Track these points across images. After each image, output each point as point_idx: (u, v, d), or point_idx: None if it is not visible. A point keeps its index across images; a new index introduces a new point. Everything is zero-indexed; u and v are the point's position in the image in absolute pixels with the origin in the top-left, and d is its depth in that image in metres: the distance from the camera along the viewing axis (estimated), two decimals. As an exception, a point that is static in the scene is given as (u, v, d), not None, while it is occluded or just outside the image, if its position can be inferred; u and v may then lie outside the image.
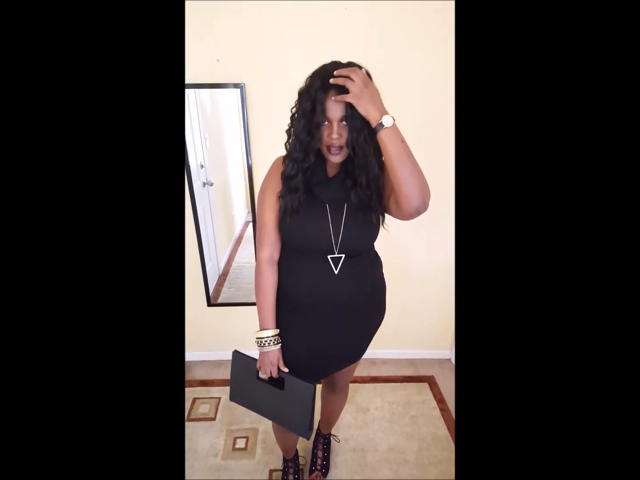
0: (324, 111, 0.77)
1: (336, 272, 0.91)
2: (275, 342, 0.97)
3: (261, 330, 0.98)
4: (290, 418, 1.01)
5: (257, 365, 1.02)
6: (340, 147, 0.82)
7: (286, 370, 0.99)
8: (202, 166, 1.74)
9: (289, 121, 0.87)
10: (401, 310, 1.88)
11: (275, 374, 0.99)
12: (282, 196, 0.89)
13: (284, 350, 0.99)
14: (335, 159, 0.84)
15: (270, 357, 0.98)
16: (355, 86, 0.73)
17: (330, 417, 1.38)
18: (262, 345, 0.98)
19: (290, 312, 0.98)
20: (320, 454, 1.42)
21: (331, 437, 1.49)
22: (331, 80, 0.76)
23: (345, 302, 0.95)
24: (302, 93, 0.82)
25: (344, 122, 0.79)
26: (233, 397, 1.10)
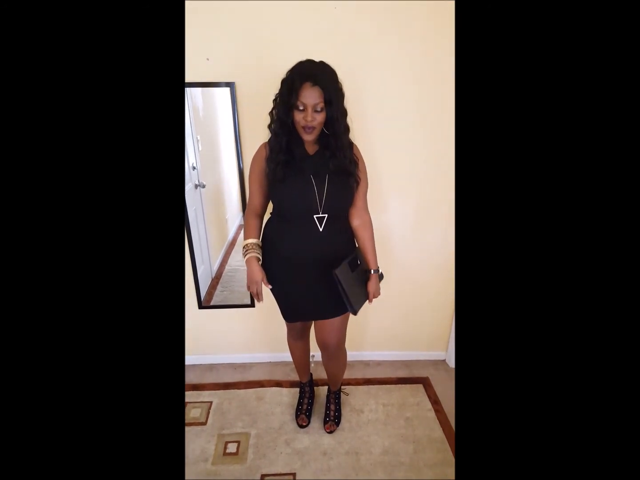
0: (298, 97, 0.98)
1: (321, 230, 1.14)
2: (257, 251, 1.20)
3: (245, 239, 1.22)
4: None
5: (247, 286, 1.22)
6: (312, 128, 1.03)
7: (269, 286, 1.22)
8: (194, 168, 1.74)
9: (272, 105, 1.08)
10: (396, 311, 1.87)
11: (260, 290, 1.21)
12: (268, 164, 1.11)
13: (276, 292, 1.29)
14: (308, 137, 1.07)
15: (254, 276, 1.19)
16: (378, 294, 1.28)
17: (333, 379, 1.57)
18: (246, 250, 1.19)
19: (281, 261, 1.21)
20: (332, 407, 1.61)
21: (341, 392, 1.67)
22: (369, 304, 1.27)
23: (327, 255, 1.16)
24: (283, 82, 1.02)
25: (316, 109, 1.00)
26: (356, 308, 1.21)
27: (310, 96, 0.97)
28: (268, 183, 1.15)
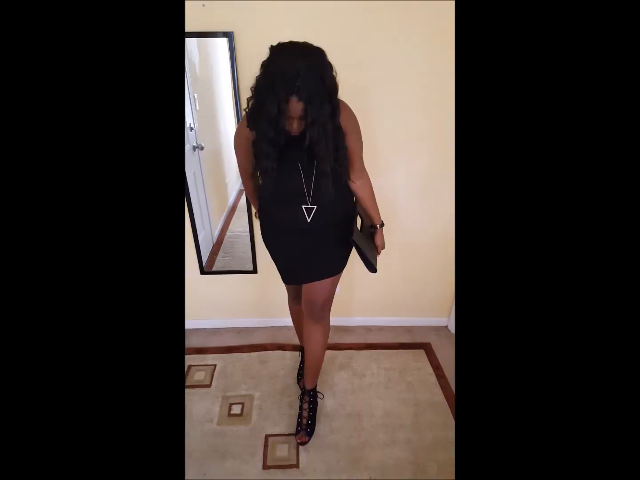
0: (286, 113, 0.94)
1: (309, 220, 1.15)
2: None
3: (255, 209, 1.33)
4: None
5: None
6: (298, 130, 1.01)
7: None
8: (191, 129, 1.66)
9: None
10: (398, 277, 1.86)
11: None
12: (259, 168, 1.08)
13: (274, 255, 1.34)
14: (294, 132, 1.02)
15: None
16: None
17: (312, 359, 1.42)
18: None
19: (275, 228, 1.26)
20: (305, 413, 1.43)
21: (317, 395, 1.51)
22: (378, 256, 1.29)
23: (321, 223, 1.17)
24: (261, 91, 0.94)
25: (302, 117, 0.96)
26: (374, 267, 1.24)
27: (296, 109, 0.93)
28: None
